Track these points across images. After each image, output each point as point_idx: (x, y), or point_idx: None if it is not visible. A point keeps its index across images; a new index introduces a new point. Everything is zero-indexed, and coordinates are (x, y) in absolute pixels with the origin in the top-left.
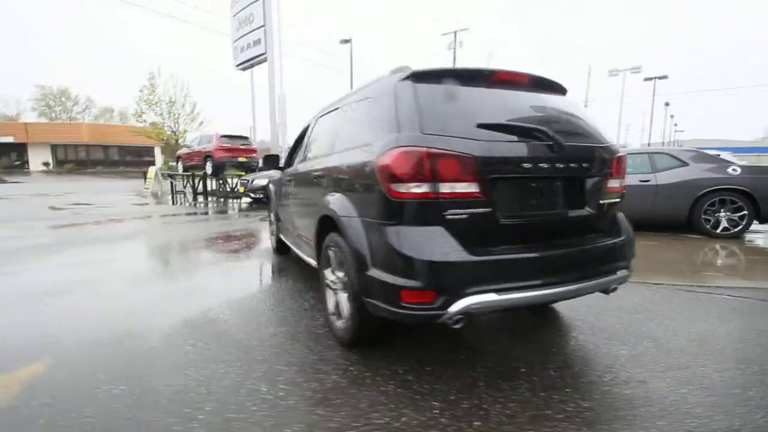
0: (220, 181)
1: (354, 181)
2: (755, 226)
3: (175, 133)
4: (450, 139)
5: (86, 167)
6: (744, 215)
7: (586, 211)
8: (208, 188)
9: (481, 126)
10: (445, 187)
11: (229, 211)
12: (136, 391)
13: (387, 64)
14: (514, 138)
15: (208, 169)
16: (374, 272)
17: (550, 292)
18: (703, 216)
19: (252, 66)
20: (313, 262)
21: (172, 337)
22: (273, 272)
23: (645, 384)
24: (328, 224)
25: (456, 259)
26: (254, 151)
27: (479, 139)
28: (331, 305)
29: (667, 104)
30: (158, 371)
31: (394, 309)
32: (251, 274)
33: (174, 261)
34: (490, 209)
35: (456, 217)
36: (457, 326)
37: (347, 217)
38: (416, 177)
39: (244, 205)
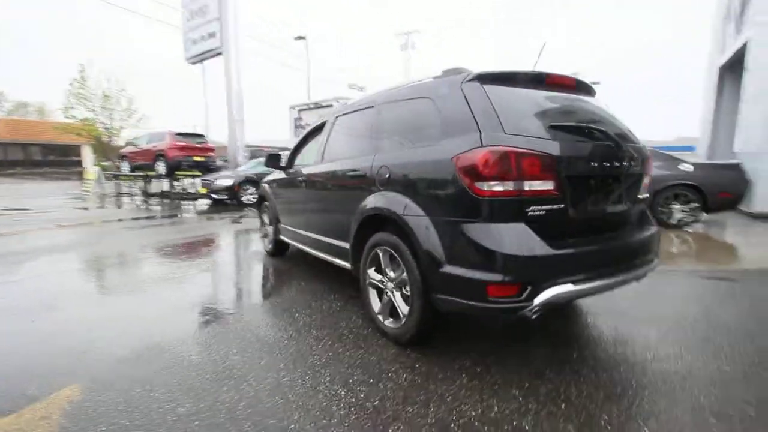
0: (175, 182)
1: (420, 179)
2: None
3: (108, 129)
4: (530, 139)
5: (3, 168)
6: (695, 207)
7: (631, 205)
8: (161, 189)
9: (553, 127)
10: (528, 185)
11: (190, 214)
12: (203, 407)
13: (342, 62)
14: (582, 139)
15: (161, 169)
16: (452, 269)
17: (611, 281)
18: (659, 209)
19: (204, 60)
20: (340, 262)
21: (211, 347)
22: (279, 275)
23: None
24: (372, 224)
25: (541, 253)
26: (211, 150)
27: (553, 139)
28: (376, 305)
29: None
30: (213, 385)
31: (480, 304)
32: (256, 279)
33: (172, 267)
34: (563, 205)
35: (536, 213)
36: (535, 317)
37: (412, 216)
38: (503, 175)
39: (203, 207)
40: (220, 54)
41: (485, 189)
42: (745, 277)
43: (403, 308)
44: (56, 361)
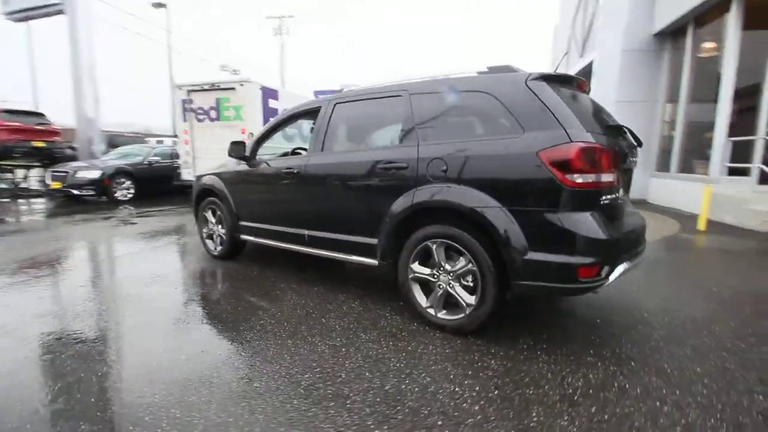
0: (4, 175)
1: (495, 172)
2: None
3: None
4: (599, 136)
5: None
6: None
7: (627, 196)
8: None
9: (605, 126)
10: (603, 177)
11: (36, 217)
12: None
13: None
14: (617, 136)
15: None
16: (539, 255)
17: (636, 262)
18: None
19: (33, 18)
20: (359, 259)
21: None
22: (261, 282)
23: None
24: (418, 217)
25: (616, 237)
26: (57, 133)
27: (605, 135)
28: (423, 299)
29: None
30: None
31: (570, 285)
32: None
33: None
34: (617, 195)
35: (605, 202)
36: (597, 292)
37: (487, 207)
38: (589, 168)
39: (50, 205)
40: (61, 12)
41: (575, 181)
42: None
43: (467, 299)
44: None
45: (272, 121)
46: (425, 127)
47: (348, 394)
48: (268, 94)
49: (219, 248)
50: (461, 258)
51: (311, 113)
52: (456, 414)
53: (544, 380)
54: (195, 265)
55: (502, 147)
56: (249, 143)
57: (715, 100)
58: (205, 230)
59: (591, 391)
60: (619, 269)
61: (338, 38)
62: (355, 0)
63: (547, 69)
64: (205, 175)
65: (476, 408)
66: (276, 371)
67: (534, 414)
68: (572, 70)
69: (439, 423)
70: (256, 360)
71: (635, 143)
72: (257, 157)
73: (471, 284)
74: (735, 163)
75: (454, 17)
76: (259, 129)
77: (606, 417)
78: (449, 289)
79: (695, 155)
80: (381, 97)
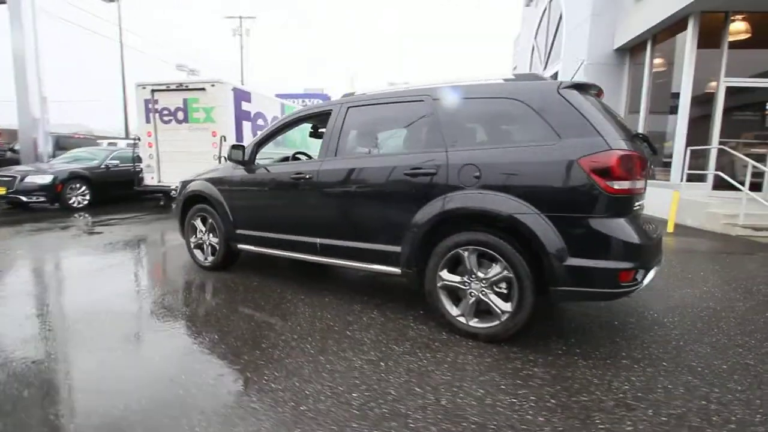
0: None
1: (532, 178)
2: None
3: None
4: (629, 143)
5: None
6: None
7: None
8: None
9: (636, 134)
10: (637, 184)
11: None
12: None
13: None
14: (641, 144)
15: None
16: (578, 261)
17: (659, 267)
18: None
19: None
20: (379, 267)
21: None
22: (265, 297)
23: None
24: (443, 225)
25: (649, 242)
26: None
27: (633, 142)
28: (452, 307)
29: None
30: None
31: (611, 290)
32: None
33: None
34: (642, 202)
35: (636, 208)
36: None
37: (525, 214)
38: (627, 175)
39: None
40: (2, 2)
41: (616, 187)
42: None
43: (502, 306)
44: None
45: (274, 124)
46: (453, 132)
47: (406, 413)
48: (241, 96)
49: (210, 258)
50: (495, 265)
51: (318, 117)
52: (524, 427)
53: (592, 386)
54: (186, 278)
55: (539, 154)
56: (248, 147)
57: (671, 112)
58: (193, 239)
59: (639, 393)
60: (651, 273)
61: (300, 44)
62: (318, 8)
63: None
64: (193, 180)
65: (541, 419)
66: (320, 391)
67: (598, 421)
68: None
69: None
70: (293, 381)
71: (652, 151)
72: (256, 162)
73: (504, 291)
74: (692, 170)
75: (416, 26)
76: (231, 132)
77: (664, 419)
78: (482, 297)
79: (656, 163)
80: (400, 102)
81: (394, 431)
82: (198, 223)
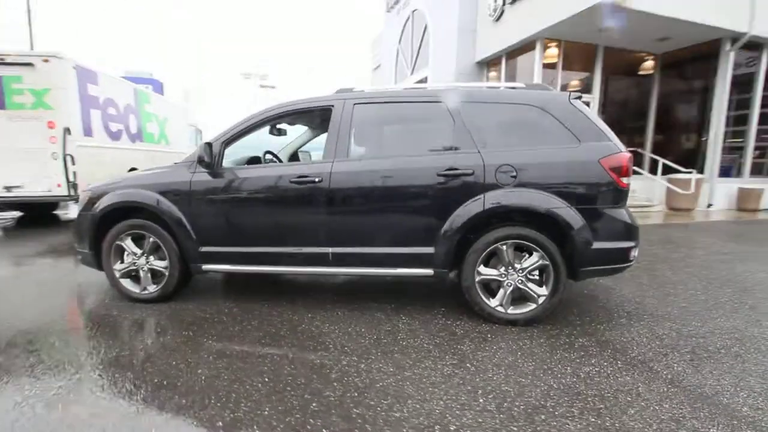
0: None
1: (562, 176)
2: None
3: None
4: None
5: None
6: None
7: None
8: None
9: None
10: (630, 179)
11: None
12: None
13: None
14: None
15: None
16: (601, 244)
17: None
18: None
19: None
20: (410, 271)
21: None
22: (277, 318)
23: None
24: (483, 222)
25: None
26: None
27: None
28: (491, 301)
29: None
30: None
31: (622, 265)
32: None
33: None
34: None
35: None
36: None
37: (560, 207)
38: (629, 172)
39: None
40: None
41: (625, 182)
42: None
43: (539, 291)
44: None
45: (250, 118)
46: (481, 134)
47: (542, 404)
48: (86, 76)
49: (151, 288)
50: (531, 255)
51: (311, 113)
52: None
53: (653, 363)
54: (131, 318)
55: (567, 155)
56: (214, 146)
57: None
58: (119, 267)
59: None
60: (637, 251)
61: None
62: None
63: (369, 77)
64: (113, 188)
65: (628, 378)
66: (448, 407)
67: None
68: (407, 83)
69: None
70: (409, 405)
71: None
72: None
73: (537, 278)
74: None
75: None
76: (76, 123)
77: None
78: (519, 286)
79: None
80: (415, 102)
81: (552, 422)
82: (128, 244)
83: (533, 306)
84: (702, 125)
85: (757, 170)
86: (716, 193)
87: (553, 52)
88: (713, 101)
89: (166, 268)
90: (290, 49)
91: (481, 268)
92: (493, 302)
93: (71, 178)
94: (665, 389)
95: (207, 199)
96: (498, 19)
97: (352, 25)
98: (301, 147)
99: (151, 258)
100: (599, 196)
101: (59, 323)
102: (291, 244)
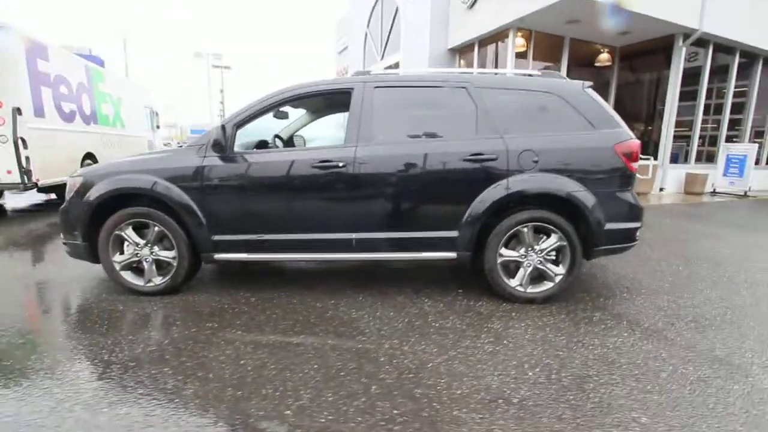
0: None
1: (580, 161)
2: None
3: None
4: None
5: None
6: None
7: None
8: None
9: None
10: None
11: None
12: None
13: None
14: None
15: None
16: (613, 225)
17: None
18: None
19: None
20: (433, 255)
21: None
22: (301, 308)
23: None
24: (505, 206)
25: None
26: None
27: None
28: (511, 281)
29: None
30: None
31: (630, 244)
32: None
33: None
34: None
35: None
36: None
37: (578, 191)
38: (637, 158)
39: None
40: None
41: (635, 167)
42: None
43: (556, 270)
44: None
45: (263, 99)
46: (503, 120)
47: (586, 374)
48: (35, 51)
49: (157, 280)
50: (550, 237)
51: (332, 95)
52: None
53: (666, 331)
54: (136, 312)
55: (584, 141)
56: (227, 129)
57: None
58: (119, 258)
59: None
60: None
61: None
62: None
63: (333, 58)
64: (108, 173)
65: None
66: (503, 381)
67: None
68: (377, 68)
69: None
70: (469, 380)
71: None
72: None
73: (554, 258)
74: None
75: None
76: (26, 101)
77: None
78: (539, 266)
79: None
80: (434, 86)
81: (600, 389)
82: (129, 233)
83: (550, 284)
84: (655, 115)
85: (700, 157)
86: (667, 178)
87: (523, 42)
88: (666, 93)
89: (174, 258)
90: (250, 32)
91: (503, 251)
92: (513, 282)
93: (24, 164)
94: (684, 354)
95: (221, 186)
96: (472, 6)
97: (315, 6)
98: (296, 132)
99: (156, 248)
100: (612, 180)
101: (59, 323)
102: (313, 230)
